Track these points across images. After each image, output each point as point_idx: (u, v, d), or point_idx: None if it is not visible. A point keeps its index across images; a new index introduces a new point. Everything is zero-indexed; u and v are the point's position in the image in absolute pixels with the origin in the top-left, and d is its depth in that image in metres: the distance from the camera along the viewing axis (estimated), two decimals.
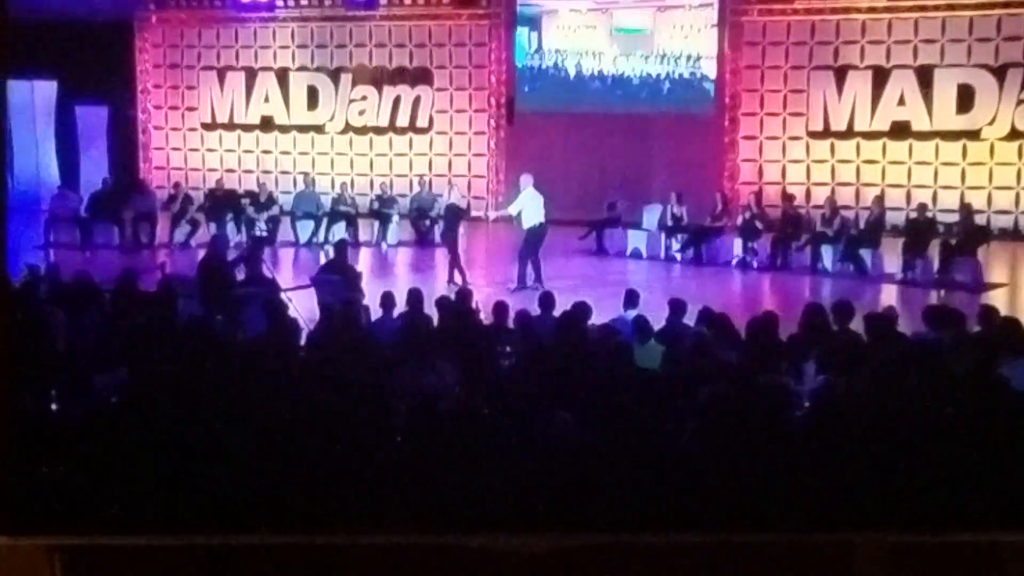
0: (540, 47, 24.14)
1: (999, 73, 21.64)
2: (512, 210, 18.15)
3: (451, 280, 17.55)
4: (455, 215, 18.83)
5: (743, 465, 6.98)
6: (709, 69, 23.30)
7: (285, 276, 16.44)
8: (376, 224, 22.06)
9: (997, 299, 16.15)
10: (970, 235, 18.76)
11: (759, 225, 20.15)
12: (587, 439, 7.40)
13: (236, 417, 7.50)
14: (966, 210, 19.70)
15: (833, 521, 6.71)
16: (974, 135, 21.84)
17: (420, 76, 24.90)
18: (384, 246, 21.69)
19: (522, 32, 24.13)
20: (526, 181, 18.16)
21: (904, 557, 6.85)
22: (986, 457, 7.02)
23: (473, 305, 12.45)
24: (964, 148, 21.95)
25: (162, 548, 6.81)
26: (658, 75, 23.57)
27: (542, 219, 17.70)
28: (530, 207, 17.78)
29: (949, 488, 6.78)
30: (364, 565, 6.85)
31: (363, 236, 21.72)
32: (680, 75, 23.48)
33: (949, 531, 6.63)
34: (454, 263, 17.99)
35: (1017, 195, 21.70)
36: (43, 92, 23.96)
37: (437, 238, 21.53)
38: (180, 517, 6.76)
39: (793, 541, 6.67)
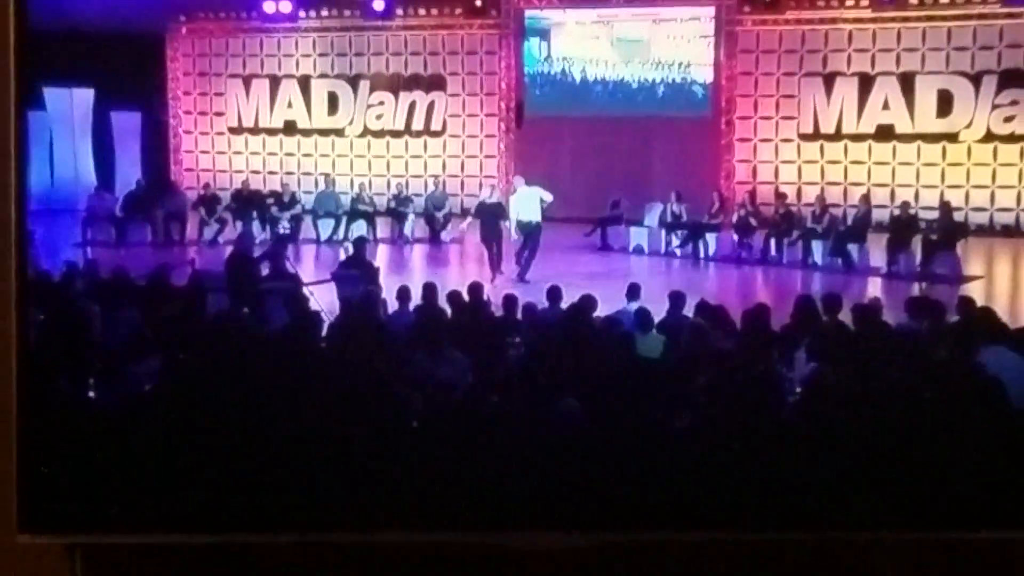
0: (550, 55, 24.18)
1: (975, 80, 21.68)
2: (511, 213, 18.18)
3: (495, 275, 17.55)
4: (496, 215, 18.75)
5: (737, 448, 6.97)
6: (698, 74, 23.40)
7: (307, 271, 16.40)
8: (393, 222, 22.04)
9: (974, 290, 16.25)
10: (949, 231, 18.77)
11: (753, 222, 20.18)
12: (592, 424, 7.39)
13: (259, 406, 7.45)
14: (945, 208, 19.78)
15: (821, 503, 6.69)
16: (953, 138, 21.86)
17: (434, 82, 24.88)
18: (400, 243, 21.67)
19: (534, 42, 24.16)
20: (518, 182, 18.40)
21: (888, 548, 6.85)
22: (962, 438, 7.04)
23: (484, 298, 12.43)
24: (944, 150, 21.94)
25: (182, 547, 6.71)
26: (653, 80, 23.63)
27: (535, 218, 17.75)
28: (524, 206, 17.84)
29: (929, 472, 6.79)
30: (380, 562, 6.78)
31: (380, 233, 21.67)
32: (673, 80, 23.55)
33: (931, 515, 6.63)
34: (497, 259, 17.98)
35: (992, 193, 21.69)
36: (81, 99, 23.90)
37: (449, 236, 21.65)
38: (200, 515, 6.65)
39: (785, 533, 6.66)
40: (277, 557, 6.75)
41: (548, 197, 17.80)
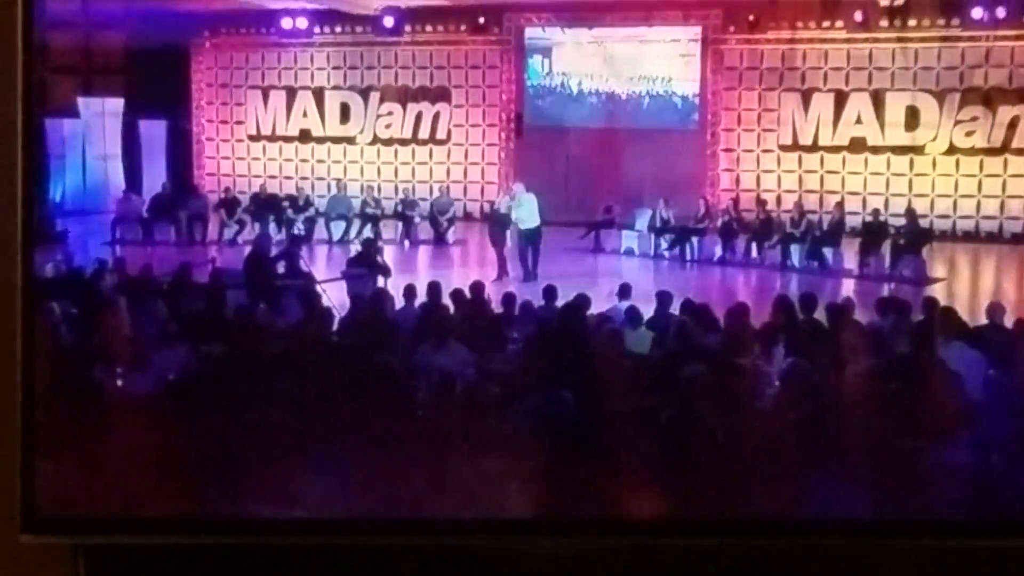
0: (551, 70, 24.25)
1: (940, 97, 21.71)
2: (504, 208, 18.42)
3: (502, 276, 17.66)
4: (502, 221, 18.79)
5: (718, 437, 6.99)
6: (685, 89, 23.45)
7: (320, 270, 16.39)
8: (399, 224, 22.05)
9: (937, 291, 16.35)
10: (915, 236, 18.96)
11: (736, 227, 20.30)
12: (584, 414, 7.40)
13: (273, 396, 7.43)
14: (912, 215, 19.96)
15: (795, 490, 6.69)
16: (919, 150, 21.87)
17: (440, 94, 24.85)
18: (406, 244, 21.67)
19: (536, 58, 24.25)
20: (519, 190, 18.67)
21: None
22: (923, 427, 7.11)
23: (485, 296, 12.44)
24: (911, 161, 21.96)
25: (187, 548, 6.57)
26: (639, 93, 23.69)
27: (534, 223, 17.93)
28: (524, 213, 17.95)
29: (893, 457, 6.83)
30: (381, 562, 6.68)
31: (388, 235, 21.67)
32: (657, 93, 23.62)
33: (901, 502, 6.62)
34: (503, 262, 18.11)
35: (955, 202, 21.71)
36: (112, 108, 23.88)
37: (452, 238, 21.75)
38: (206, 516, 6.53)
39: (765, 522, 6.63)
40: (280, 558, 6.62)
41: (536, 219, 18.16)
